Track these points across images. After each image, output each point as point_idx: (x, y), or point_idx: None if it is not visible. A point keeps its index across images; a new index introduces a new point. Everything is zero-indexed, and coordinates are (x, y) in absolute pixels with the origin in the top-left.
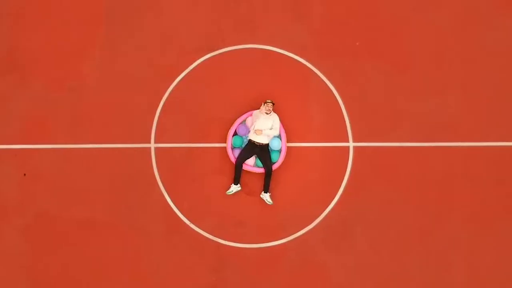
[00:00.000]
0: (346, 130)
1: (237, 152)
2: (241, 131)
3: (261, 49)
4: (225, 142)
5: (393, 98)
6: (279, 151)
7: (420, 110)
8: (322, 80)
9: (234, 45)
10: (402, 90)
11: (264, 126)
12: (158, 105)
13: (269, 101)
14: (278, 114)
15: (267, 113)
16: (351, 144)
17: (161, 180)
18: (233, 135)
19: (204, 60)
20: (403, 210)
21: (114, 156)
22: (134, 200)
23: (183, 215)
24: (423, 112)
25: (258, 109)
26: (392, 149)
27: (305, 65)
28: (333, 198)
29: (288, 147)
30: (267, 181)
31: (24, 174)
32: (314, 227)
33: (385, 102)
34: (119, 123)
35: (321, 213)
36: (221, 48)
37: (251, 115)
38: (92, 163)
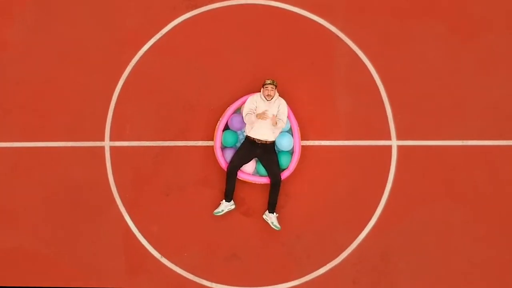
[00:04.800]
0: (388, 123)
1: (229, 154)
2: (235, 124)
3: (265, 5)
4: (212, 140)
5: (454, 79)
6: (291, 152)
7: (490, 96)
8: (354, 52)
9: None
10: (466, 68)
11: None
12: (115, 88)
13: (269, 81)
14: (288, 101)
15: (267, 99)
16: (394, 143)
17: (119, 194)
18: (224, 130)
19: (182, 22)
20: (469, 237)
21: (53, 159)
22: (81, 223)
23: (151, 245)
24: (495, 99)
25: (259, 92)
26: (452, 149)
27: (329, 29)
28: (369, 220)
29: (304, 147)
30: (273, 196)
31: None
32: (341, 262)
33: (442, 85)
34: (59, 112)
35: (352, 243)
36: (206, 4)
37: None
38: (21, 168)
